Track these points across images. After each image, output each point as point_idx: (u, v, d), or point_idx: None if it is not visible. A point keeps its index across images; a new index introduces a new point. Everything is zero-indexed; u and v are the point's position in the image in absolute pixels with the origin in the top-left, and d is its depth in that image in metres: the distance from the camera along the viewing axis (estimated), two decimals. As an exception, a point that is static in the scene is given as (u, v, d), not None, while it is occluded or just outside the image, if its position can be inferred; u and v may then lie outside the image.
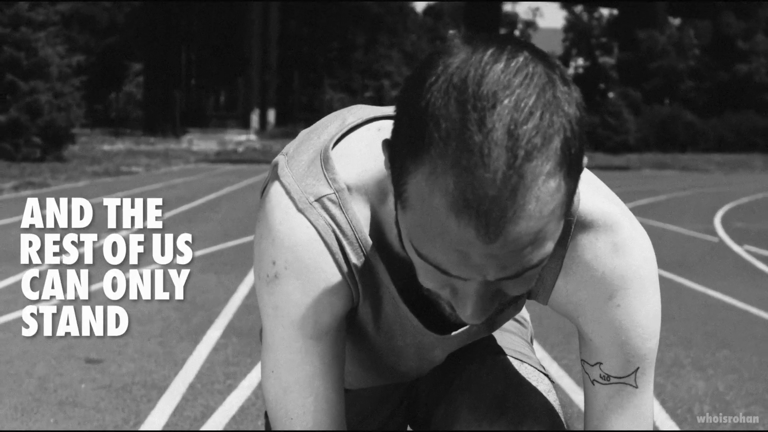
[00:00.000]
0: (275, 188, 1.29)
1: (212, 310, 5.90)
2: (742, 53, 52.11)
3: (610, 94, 58.49)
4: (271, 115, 50.56)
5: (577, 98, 1.01)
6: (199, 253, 8.43)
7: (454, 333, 1.40)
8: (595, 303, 1.31)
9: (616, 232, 1.29)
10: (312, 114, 53.75)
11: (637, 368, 1.35)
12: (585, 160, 1.05)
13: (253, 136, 45.18)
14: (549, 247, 1.01)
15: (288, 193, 1.26)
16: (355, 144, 1.30)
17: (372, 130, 1.32)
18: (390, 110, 1.32)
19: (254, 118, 49.90)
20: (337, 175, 1.26)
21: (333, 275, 1.27)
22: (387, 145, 1.07)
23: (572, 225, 1.27)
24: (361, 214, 1.27)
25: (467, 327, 1.39)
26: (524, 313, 1.82)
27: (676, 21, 64.29)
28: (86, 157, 29.09)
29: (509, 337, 1.69)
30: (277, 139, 42.92)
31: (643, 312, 1.32)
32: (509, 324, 1.74)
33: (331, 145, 1.29)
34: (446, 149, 0.95)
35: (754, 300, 6.66)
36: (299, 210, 1.25)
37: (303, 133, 1.39)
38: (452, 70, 0.98)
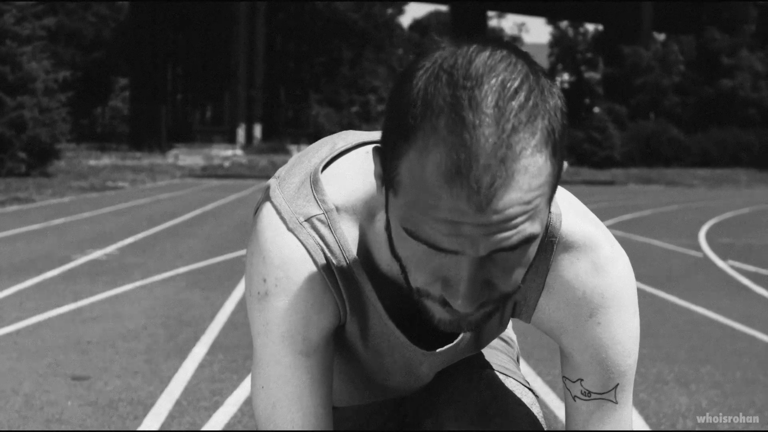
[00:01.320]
0: (266, 209, 1.32)
1: (198, 326, 5.90)
2: (726, 68, 52.39)
3: (596, 109, 58.70)
4: (258, 130, 50.57)
5: (558, 92, 1.07)
6: (184, 269, 8.44)
7: (440, 349, 1.42)
8: (576, 321, 1.35)
9: (597, 252, 1.33)
10: (298, 129, 53.82)
11: (617, 384, 1.38)
12: (565, 164, 1.10)
13: (239, 151, 45.15)
14: (537, 227, 1.04)
15: (279, 213, 1.30)
16: (345, 167, 1.34)
17: (361, 153, 1.36)
18: (379, 135, 1.36)
19: (240, 133, 49.90)
20: (326, 196, 1.30)
21: (321, 292, 1.31)
22: (377, 150, 1.12)
23: (555, 245, 1.31)
24: (349, 234, 1.31)
25: (454, 343, 1.42)
26: (511, 334, 1.86)
27: (661, 36, 64.63)
28: (72, 172, 29.04)
29: (495, 354, 1.72)
30: (264, 153, 42.88)
31: (622, 330, 1.35)
32: (496, 342, 1.77)
33: (321, 168, 1.33)
34: (438, 123, 0.99)
35: (738, 315, 6.71)
36: (289, 229, 1.29)
37: (294, 156, 1.43)
38: (441, 60, 1.04)
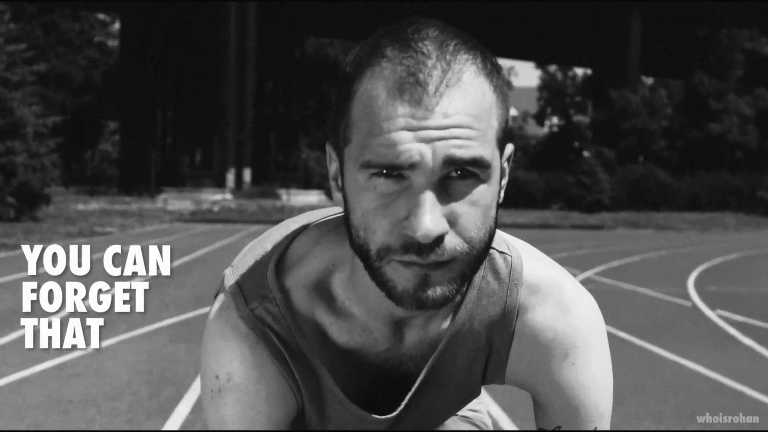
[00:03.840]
0: (219, 300, 1.32)
1: (182, 383, 5.85)
2: (714, 113, 52.71)
3: (585, 153, 58.92)
4: (247, 174, 50.61)
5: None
6: (169, 321, 8.38)
7: (398, 409, 1.38)
8: (550, 364, 1.33)
9: (562, 292, 1.33)
10: (288, 173, 53.83)
11: (595, 428, 1.36)
12: (511, 146, 1.17)
13: (228, 196, 45.16)
14: (489, 153, 1.07)
15: (230, 304, 1.29)
16: (296, 247, 1.32)
17: (311, 230, 1.34)
18: (332, 210, 1.38)
19: (230, 177, 49.93)
20: (277, 281, 1.29)
21: (276, 384, 1.29)
22: (329, 142, 1.18)
23: (518, 287, 1.31)
24: (301, 317, 1.29)
25: (412, 394, 1.37)
26: (486, 420, 1.82)
27: (649, 80, 65.02)
28: (61, 217, 28.99)
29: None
30: (253, 198, 42.89)
31: (597, 369, 1.34)
32: (468, 430, 1.74)
33: (274, 253, 1.31)
34: (384, 51, 1.08)
35: (725, 369, 6.68)
36: (240, 318, 1.27)
37: (248, 245, 1.41)
38: (379, 31, 1.13)
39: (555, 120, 78.46)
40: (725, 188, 47.59)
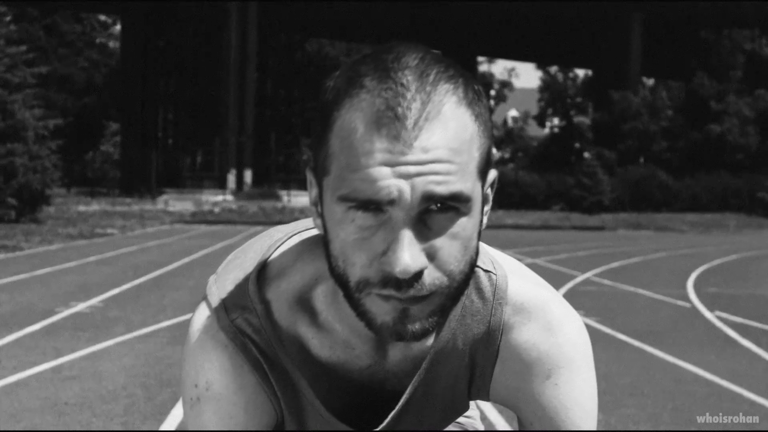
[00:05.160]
0: (201, 309, 1.31)
1: (178, 386, 5.83)
2: (715, 114, 52.67)
3: (586, 154, 58.93)
4: (248, 175, 50.58)
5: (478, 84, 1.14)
6: (167, 323, 8.37)
7: (382, 426, 1.37)
8: (533, 384, 1.31)
9: (548, 312, 1.31)
10: (289, 174, 53.84)
11: None
12: (494, 172, 1.16)
13: (229, 197, 45.14)
14: (469, 187, 1.06)
15: (211, 313, 1.28)
16: (279, 261, 1.31)
17: (294, 240, 1.34)
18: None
19: (231, 179, 49.91)
20: (258, 292, 1.28)
21: (255, 395, 1.29)
22: (309, 168, 1.17)
23: (503, 306, 1.29)
24: (282, 329, 1.28)
25: (396, 411, 1.36)
26: (478, 425, 1.81)
27: (650, 81, 65.02)
28: (61, 218, 28.98)
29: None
30: (254, 199, 42.86)
31: (580, 390, 1.33)
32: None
33: (257, 263, 1.31)
34: (363, 81, 1.06)
35: (724, 372, 6.66)
36: (220, 328, 1.27)
37: (233, 253, 1.40)
38: (360, 54, 1.12)
39: (556, 121, 78.46)
40: (726, 189, 47.58)
